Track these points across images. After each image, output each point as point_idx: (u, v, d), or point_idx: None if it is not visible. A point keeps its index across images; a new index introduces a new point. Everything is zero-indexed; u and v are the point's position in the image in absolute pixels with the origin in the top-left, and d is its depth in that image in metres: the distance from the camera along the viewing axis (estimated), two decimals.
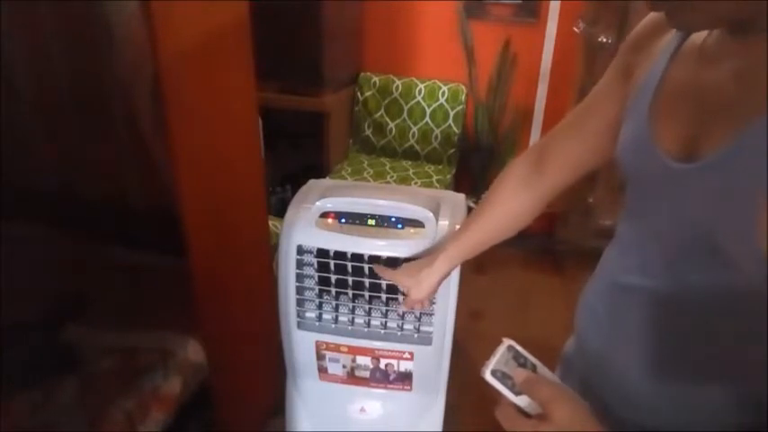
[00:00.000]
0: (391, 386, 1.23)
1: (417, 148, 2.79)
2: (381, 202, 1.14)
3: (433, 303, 1.10)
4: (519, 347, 0.59)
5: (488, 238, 0.89)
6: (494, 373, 0.57)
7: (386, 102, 2.77)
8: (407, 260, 1.05)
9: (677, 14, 0.53)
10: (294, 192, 1.22)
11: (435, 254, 0.92)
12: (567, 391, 0.55)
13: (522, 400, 0.55)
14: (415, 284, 0.92)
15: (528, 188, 0.84)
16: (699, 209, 0.54)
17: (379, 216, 1.11)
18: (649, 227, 0.63)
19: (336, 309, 1.16)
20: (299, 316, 1.17)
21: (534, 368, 0.58)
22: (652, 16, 0.67)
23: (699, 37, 0.60)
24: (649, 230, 0.63)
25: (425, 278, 0.91)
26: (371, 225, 1.11)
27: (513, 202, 0.86)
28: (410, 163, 2.74)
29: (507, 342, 0.59)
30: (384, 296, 1.12)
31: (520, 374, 0.56)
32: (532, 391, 0.55)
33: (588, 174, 0.81)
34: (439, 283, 0.94)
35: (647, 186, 0.63)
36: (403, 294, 0.99)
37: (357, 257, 1.09)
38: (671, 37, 0.63)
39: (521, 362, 0.58)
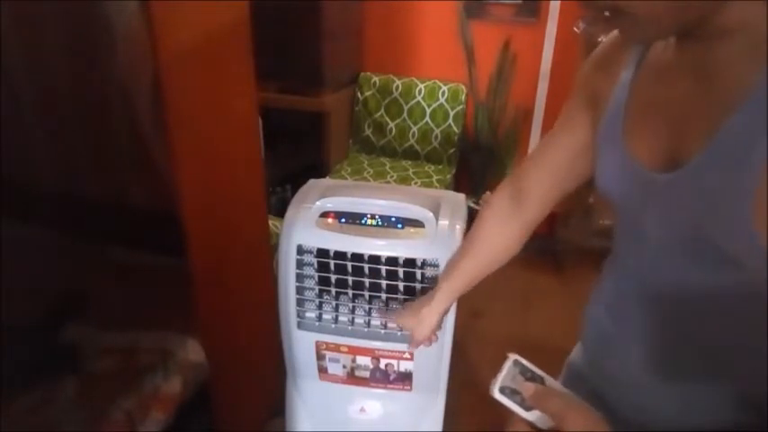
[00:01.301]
0: (391, 386, 1.23)
1: (417, 147, 2.79)
2: (381, 201, 1.14)
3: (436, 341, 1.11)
4: (525, 361, 0.58)
5: (480, 273, 0.92)
6: (502, 390, 0.56)
7: (386, 102, 2.77)
8: (410, 298, 1.06)
9: (628, 29, 0.54)
10: (294, 192, 1.22)
11: (433, 292, 0.94)
12: (578, 401, 0.54)
13: (532, 415, 0.54)
14: (418, 324, 0.94)
15: (510, 221, 0.86)
16: (692, 213, 0.55)
17: (379, 216, 1.11)
18: (645, 240, 0.63)
19: (336, 309, 1.16)
20: (299, 316, 1.17)
21: (542, 381, 0.57)
22: (610, 38, 0.68)
23: (657, 50, 0.60)
24: (646, 243, 0.63)
25: (426, 316, 0.93)
26: (371, 225, 1.11)
27: (497, 237, 0.88)
28: (410, 163, 2.74)
29: (512, 357, 0.59)
30: (384, 296, 1.12)
31: (528, 389, 0.55)
32: (543, 405, 0.54)
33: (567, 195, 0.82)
34: (441, 320, 0.96)
35: (636, 205, 0.63)
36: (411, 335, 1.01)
37: (357, 257, 1.09)
38: (630, 55, 0.63)
39: (528, 376, 0.57)
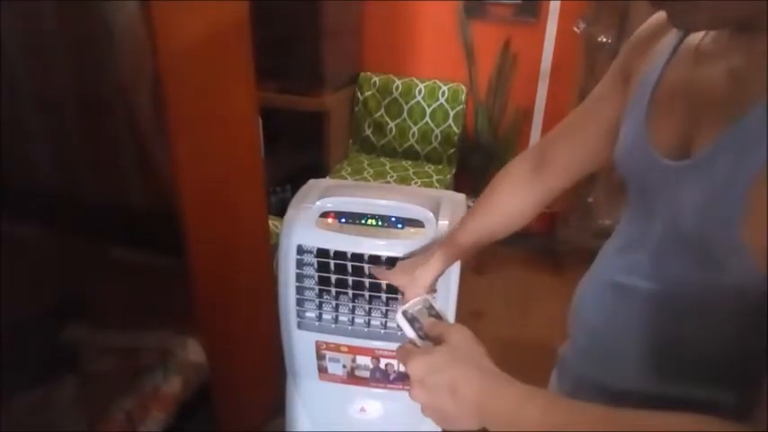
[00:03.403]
0: (391, 386, 1.23)
1: (417, 147, 2.79)
2: (381, 201, 1.14)
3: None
4: (435, 303, 0.62)
5: (485, 238, 0.89)
6: (404, 313, 0.59)
7: (386, 102, 2.77)
8: (405, 258, 1.05)
9: (681, 14, 0.52)
10: (294, 192, 1.22)
11: (431, 252, 0.92)
12: (467, 329, 0.57)
13: (423, 344, 0.57)
14: (410, 283, 0.92)
15: (528, 189, 0.84)
16: (688, 207, 0.55)
17: (379, 216, 1.11)
18: (644, 225, 0.64)
19: (336, 309, 1.16)
20: (299, 316, 1.17)
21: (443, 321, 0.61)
22: (652, 19, 0.67)
23: (696, 37, 0.60)
24: (643, 229, 0.64)
25: (420, 277, 0.91)
26: (371, 225, 1.11)
27: (512, 203, 0.86)
28: (410, 163, 2.74)
29: (426, 296, 0.63)
30: (384, 296, 1.12)
31: (428, 321, 0.59)
32: (433, 330, 0.57)
33: (589, 174, 0.82)
34: (435, 281, 0.93)
35: (643, 186, 0.63)
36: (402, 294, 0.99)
37: (357, 257, 1.09)
38: (669, 38, 0.63)
39: (432, 313, 0.61)
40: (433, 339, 0.56)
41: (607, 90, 0.74)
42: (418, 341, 0.57)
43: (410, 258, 0.97)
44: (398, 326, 0.59)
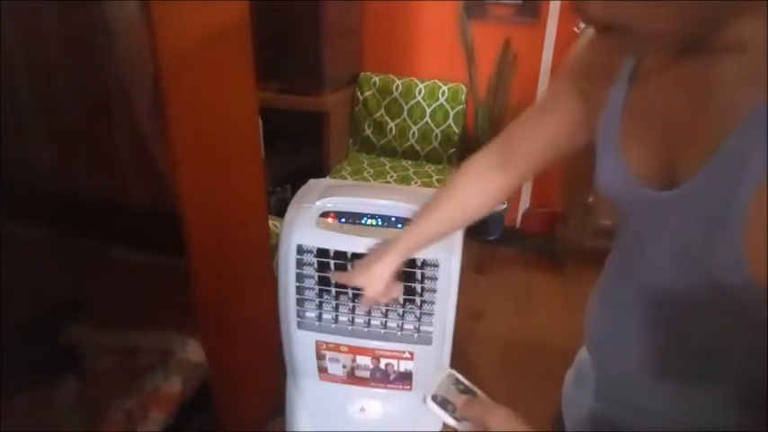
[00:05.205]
0: (391, 386, 1.23)
1: (417, 147, 2.79)
2: (381, 201, 1.14)
3: (396, 299, 1.08)
4: (460, 376, 0.61)
5: (444, 230, 0.89)
6: (434, 397, 0.58)
7: (386, 101, 2.77)
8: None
9: (630, 42, 0.52)
10: (294, 192, 1.22)
11: (386, 247, 0.90)
12: (501, 406, 0.56)
13: (462, 426, 0.56)
14: (367, 280, 0.91)
15: (490, 182, 0.84)
16: (683, 234, 0.54)
17: (379, 216, 1.12)
18: (641, 245, 0.63)
19: (336, 309, 1.16)
20: (299, 316, 1.17)
21: (475, 395, 0.59)
22: (601, 43, 0.66)
23: (649, 60, 0.59)
24: (641, 248, 0.63)
25: (377, 273, 0.89)
26: (371, 225, 1.11)
27: (475, 195, 0.86)
28: (410, 163, 2.74)
29: (449, 371, 0.61)
30: None
31: (460, 399, 0.57)
32: (468, 411, 0.55)
33: (552, 163, 0.82)
34: (392, 276, 0.92)
35: (631, 212, 0.63)
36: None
37: (357, 257, 1.09)
38: (623, 61, 0.62)
39: (461, 389, 0.59)
40: (470, 419, 0.55)
41: (560, 97, 0.73)
42: (457, 425, 0.56)
43: (366, 256, 0.95)
44: (431, 411, 0.57)
